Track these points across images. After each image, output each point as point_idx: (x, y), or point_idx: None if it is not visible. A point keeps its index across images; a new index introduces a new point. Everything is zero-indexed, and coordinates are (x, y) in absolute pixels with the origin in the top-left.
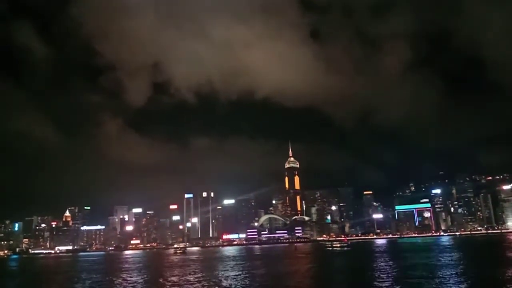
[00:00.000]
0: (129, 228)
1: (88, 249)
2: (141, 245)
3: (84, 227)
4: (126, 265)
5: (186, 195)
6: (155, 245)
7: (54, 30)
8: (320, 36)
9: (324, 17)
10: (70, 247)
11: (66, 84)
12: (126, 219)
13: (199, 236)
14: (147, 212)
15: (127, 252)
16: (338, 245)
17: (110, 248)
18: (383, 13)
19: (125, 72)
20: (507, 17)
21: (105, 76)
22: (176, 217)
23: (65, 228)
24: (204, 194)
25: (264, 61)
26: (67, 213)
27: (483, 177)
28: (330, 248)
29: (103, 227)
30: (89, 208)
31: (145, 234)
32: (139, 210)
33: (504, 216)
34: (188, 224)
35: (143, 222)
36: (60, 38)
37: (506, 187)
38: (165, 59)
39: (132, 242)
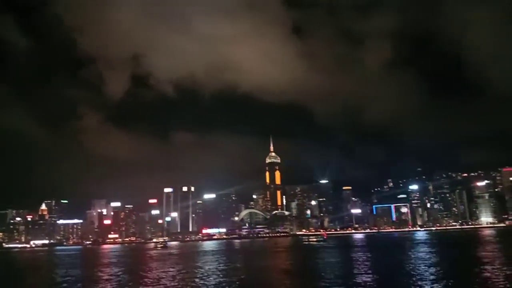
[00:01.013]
0: (107, 222)
1: (64, 243)
2: (120, 240)
3: (61, 221)
4: (104, 259)
5: (166, 190)
6: (134, 239)
7: (35, 23)
8: (304, 33)
9: (308, 13)
10: (46, 241)
11: (47, 77)
12: (105, 213)
13: (179, 230)
14: (126, 206)
15: (105, 246)
16: (315, 239)
17: (88, 242)
18: (367, 11)
19: (105, 65)
20: (488, 19)
21: (85, 69)
22: (155, 212)
23: (41, 221)
24: (185, 189)
25: (247, 57)
26: (43, 207)
27: (459, 174)
28: (307, 242)
29: (81, 221)
30: (66, 201)
31: (123, 229)
32: (117, 204)
33: (477, 212)
34: (168, 219)
35: (121, 216)
36: (41, 31)
37: (480, 183)
38: (146, 52)
39: (110, 236)
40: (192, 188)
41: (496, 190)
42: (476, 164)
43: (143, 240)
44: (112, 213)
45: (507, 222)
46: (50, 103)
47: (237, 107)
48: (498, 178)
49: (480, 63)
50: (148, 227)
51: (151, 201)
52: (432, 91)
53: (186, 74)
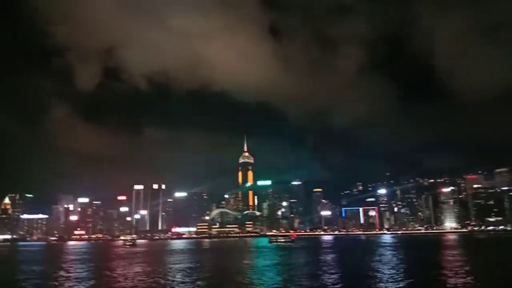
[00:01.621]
0: (74, 218)
1: (28, 239)
2: (86, 236)
3: (25, 216)
4: (69, 256)
5: (136, 186)
6: (101, 236)
7: (6, 10)
8: (279, 34)
9: (284, 15)
10: (8, 236)
11: (16, 66)
12: (71, 208)
13: (148, 228)
14: (94, 202)
15: (71, 243)
16: (282, 239)
17: (52, 238)
18: (342, 16)
19: (77, 56)
20: (456, 28)
21: (56, 60)
22: (124, 209)
23: (4, 216)
24: (155, 186)
25: (222, 54)
26: (7, 200)
27: (426, 179)
28: (275, 243)
29: (46, 216)
30: (31, 195)
31: (90, 225)
32: (85, 200)
33: (442, 217)
34: (137, 216)
35: (89, 213)
36: (12, 20)
37: (446, 190)
38: (120, 44)
39: (76, 232)
40: (163, 186)
41: (460, 196)
42: (442, 170)
43: (110, 238)
44: (79, 209)
45: (469, 228)
46: (18, 93)
47: (211, 104)
48: (462, 185)
49: (448, 70)
50: (116, 224)
51: (120, 197)
52: (402, 96)
53: (159, 69)
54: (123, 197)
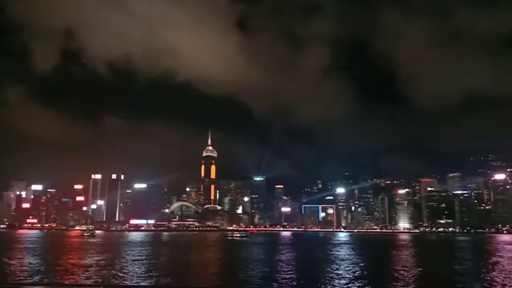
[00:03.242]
0: (26, 205)
1: None
2: (39, 225)
3: None
4: (20, 245)
5: (94, 176)
6: (54, 225)
7: None
8: (247, 28)
9: (252, 9)
10: None
11: None
12: (24, 195)
13: (104, 219)
14: (48, 190)
15: (21, 231)
16: (238, 234)
17: (2, 226)
18: (310, 15)
19: (33, 35)
20: (419, 36)
21: (10, 38)
22: (80, 198)
23: None
24: (114, 176)
25: (188, 44)
26: None
27: (383, 180)
28: (231, 238)
29: None
30: None
31: (43, 214)
32: (39, 187)
33: (397, 218)
34: (93, 206)
35: (42, 201)
36: None
37: (401, 191)
38: (80, 26)
39: (28, 221)
40: (122, 176)
41: (415, 198)
42: (398, 172)
43: (64, 227)
44: (32, 196)
45: (422, 229)
46: None
47: (175, 95)
48: (417, 187)
49: (407, 76)
50: (71, 214)
51: (76, 186)
52: (363, 99)
53: (122, 55)
54: (79, 186)
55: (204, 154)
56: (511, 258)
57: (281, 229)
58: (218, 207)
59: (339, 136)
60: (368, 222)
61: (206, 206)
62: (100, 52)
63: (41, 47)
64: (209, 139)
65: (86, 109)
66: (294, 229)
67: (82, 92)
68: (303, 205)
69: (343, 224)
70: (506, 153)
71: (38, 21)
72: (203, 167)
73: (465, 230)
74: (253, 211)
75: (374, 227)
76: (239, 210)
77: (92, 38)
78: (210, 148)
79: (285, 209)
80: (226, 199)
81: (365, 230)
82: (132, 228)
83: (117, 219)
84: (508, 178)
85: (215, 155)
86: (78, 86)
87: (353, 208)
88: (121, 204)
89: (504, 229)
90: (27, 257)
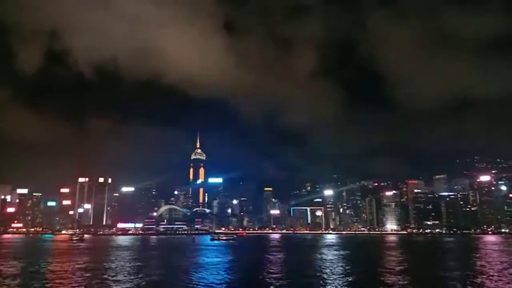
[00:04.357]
0: (11, 210)
1: None
2: (24, 230)
3: None
4: (4, 250)
5: (81, 179)
6: (40, 230)
7: None
8: (235, 29)
9: (240, 10)
10: None
11: None
12: (8, 199)
13: (91, 223)
14: (34, 193)
15: (6, 236)
16: (224, 237)
17: None
18: (297, 17)
19: (17, 37)
20: (406, 38)
21: None
22: (67, 202)
23: None
24: (101, 180)
25: (175, 46)
26: None
27: (370, 182)
28: (217, 240)
29: None
30: None
31: (29, 218)
32: (24, 190)
33: (384, 219)
34: (80, 210)
35: (28, 204)
36: None
37: (388, 193)
38: (65, 27)
39: (13, 225)
40: (110, 180)
41: (402, 200)
42: (386, 174)
43: (50, 232)
44: (17, 200)
45: (408, 230)
46: None
47: (162, 97)
48: (404, 189)
49: (394, 78)
50: (57, 218)
51: (63, 190)
52: (350, 101)
53: (108, 56)
54: (66, 190)
55: (193, 157)
56: (495, 259)
57: (270, 231)
58: (207, 210)
59: (327, 138)
60: (356, 224)
61: (195, 209)
62: (86, 53)
63: (26, 49)
64: (198, 141)
65: (72, 111)
66: (283, 231)
67: (68, 94)
68: (291, 208)
69: (331, 226)
70: (491, 154)
71: (22, 22)
72: (191, 170)
73: (451, 231)
74: (242, 214)
75: (362, 228)
76: (228, 213)
77: (77, 40)
78: (199, 151)
79: (274, 212)
80: (215, 202)
81: (353, 232)
82: (119, 232)
83: (104, 223)
84: (493, 180)
85: (204, 158)
86: (63, 88)
87: (341, 210)
88: (108, 208)
89: (489, 230)
90: (15, 263)
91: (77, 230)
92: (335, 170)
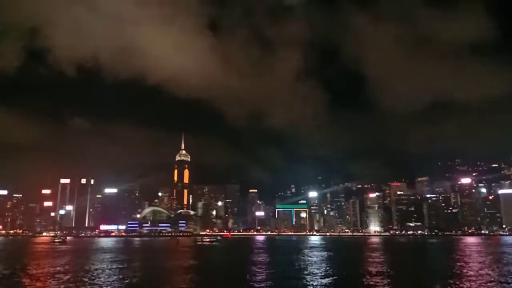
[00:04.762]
0: None
1: None
2: (4, 232)
3: None
4: None
5: (62, 180)
6: (20, 232)
7: None
8: (219, 30)
9: (224, 10)
10: None
11: None
12: None
13: (73, 225)
14: (14, 195)
15: None
16: (208, 239)
17: None
18: (281, 18)
19: None
20: (388, 41)
21: None
22: (48, 203)
23: None
24: (83, 181)
25: (158, 45)
26: None
27: (354, 184)
28: (200, 242)
29: None
30: None
31: (9, 220)
32: (4, 192)
33: (367, 221)
34: (62, 212)
35: (8, 206)
36: None
37: (372, 195)
38: (46, 25)
39: None
40: (92, 181)
41: (385, 202)
42: (369, 176)
43: (31, 234)
44: None
45: (391, 232)
46: None
47: (145, 97)
48: (387, 191)
49: (377, 80)
50: (38, 220)
51: (44, 191)
52: (334, 103)
53: (89, 55)
54: (47, 191)
55: (178, 158)
56: (474, 259)
57: (255, 233)
58: (191, 212)
59: (311, 139)
60: (340, 225)
61: (179, 211)
62: (67, 51)
63: (4, 46)
64: (183, 143)
65: (53, 111)
66: (268, 233)
67: (48, 93)
68: (276, 209)
69: (315, 228)
70: (472, 157)
71: (2, 19)
72: (176, 171)
73: (433, 233)
74: (226, 215)
75: (346, 230)
76: (213, 215)
77: (58, 37)
78: (184, 152)
79: (259, 213)
80: (200, 204)
81: (337, 234)
82: (102, 234)
83: (86, 225)
84: (473, 182)
85: (189, 159)
86: (44, 87)
87: (325, 211)
88: (90, 209)
89: (469, 231)
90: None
91: (59, 232)
92: (319, 172)
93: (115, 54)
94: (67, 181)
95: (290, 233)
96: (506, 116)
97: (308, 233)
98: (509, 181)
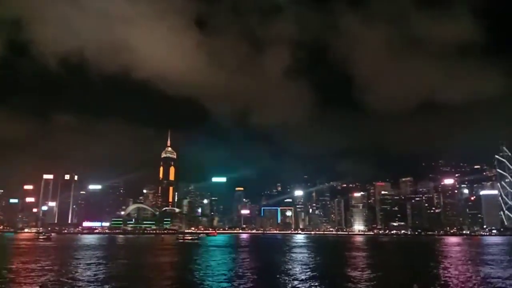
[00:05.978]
0: None
1: None
2: None
3: None
4: None
5: (45, 176)
6: (1, 228)
7: None
8: (207, 27)
9: (212, 8)
10: None
11: None
12: None
13: (56, 221)
14: None
15: None
16: (189, 237)
17: None
18: (270, 17)
19: None
20: (377, 40)
21: None
22: (30, 199)
23: None
24: (67, 177)
25: (145, 41)
26: None
27: (339, 184)
28: (182, 240)
29: None
30: None
31: None
32: None
33: (352, 220)
34: (44, 208)
35: None
36: None
37: (356, 194)
38: (29, 17)
39: None
40: (76, 177)
41: (369, 201)
42: (354, 175)
43: (12, 230)
44: None
45: (375, 231)
46: None
47: (131, 94)
48: (371, 191)
49: (364, 80)
50: (20, 216)
51: (26, 187)
52: (321, 102)
53: (75, 49)
54: (29, 187)
55: (163, 155)
56: (455, 258)
57: (240, 231)
58: (177, 210)
59: (298, 138)
60: (325, 224)
61: (164, 208)
62: (51, 45)
63: None
64: (169, 140)
65: (36, 106)
66: (253, 231)
67: (31, 87)
68: (262, 208)
69: (301, 226)
70: (455, 158)
71: None
72: (161, 168)
73: (416, 233)
74: (212, 213)
75: (331, 229)
76: (198, 213)
77: (42, 30)
78: (170, 149)
79: (245, 212)
80: (185, 201)
81: (322, 232)
82: (85, 231)
83: (69, 221)
84: (456, 183)
85: (175, 157)
86: (27, 81)
87: (310, 210)
88: (74, 206)
89: (452, 231)
90: None
91: (41, 228)
92: (305, 171)
93: (102, 49)
94: (50, 176)
95: (275, 232)
96: (490, 117)
97: (294, 232)
98: (490, 182)
